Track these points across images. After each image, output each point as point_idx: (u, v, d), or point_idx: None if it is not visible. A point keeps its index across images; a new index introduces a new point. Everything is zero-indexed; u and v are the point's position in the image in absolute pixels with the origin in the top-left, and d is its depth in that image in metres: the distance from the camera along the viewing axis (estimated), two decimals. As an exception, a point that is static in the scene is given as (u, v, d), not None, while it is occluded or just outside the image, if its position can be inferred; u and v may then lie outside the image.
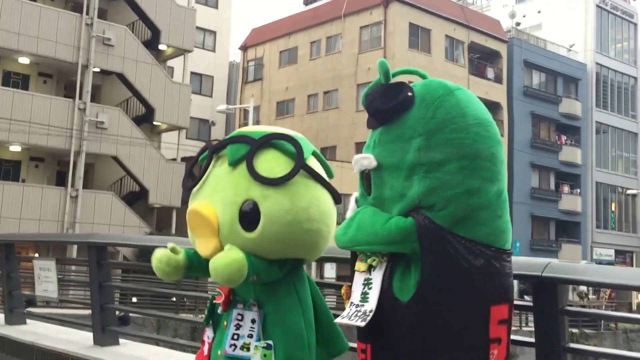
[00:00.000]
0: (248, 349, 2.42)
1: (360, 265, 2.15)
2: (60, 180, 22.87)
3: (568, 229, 37.11)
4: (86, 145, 21.52)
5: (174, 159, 24.30)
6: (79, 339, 4.83)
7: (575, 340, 19.85)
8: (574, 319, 20.28)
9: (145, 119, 24.09)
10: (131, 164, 22.44)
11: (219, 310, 2.54)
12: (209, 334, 2.60)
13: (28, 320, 5.66)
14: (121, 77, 22.96)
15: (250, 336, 2.44)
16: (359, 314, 2.08)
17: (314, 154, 2.58)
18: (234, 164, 2.43)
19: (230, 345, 2.44)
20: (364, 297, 2.10)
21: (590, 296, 30.67)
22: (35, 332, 5.21)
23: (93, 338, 4.61)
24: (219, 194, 2.43)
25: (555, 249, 35.26)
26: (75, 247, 19.67)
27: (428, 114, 2.10)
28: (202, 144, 24.31)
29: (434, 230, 2.02)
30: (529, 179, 34.69)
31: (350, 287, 2.19)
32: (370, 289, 2.10)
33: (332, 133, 31.42)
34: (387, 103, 2.11)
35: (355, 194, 2.33)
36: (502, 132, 33.14)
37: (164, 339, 8.04)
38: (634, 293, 32.58)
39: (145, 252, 20.19)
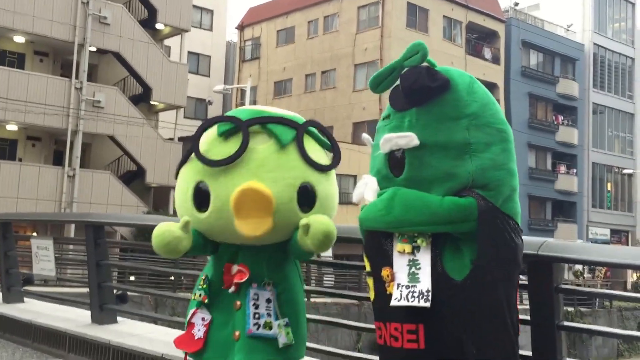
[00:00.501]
0: (270, 328, 2.45)
1: (405, 247, 2.09)
2: (57, 159, 22.82)
3: (564, 209, 37.27)
4: (83, 124, 21.43)
5: (171, 139, 24.23)
6: (76, 317, 4.85)
7: (570, 319, 20.06)
8: (568, 297, 20.44)
9: (142, 98, 23.97)
10: (128, 143, 22.38)
11: (231, 291, 2.49)
12: (204, 315, 2.53)
13: (26, 299, 5.69)
14: (118, 57, 22.79)
15: (269, 315, 2.47)
16: (416, 294, 2.04)
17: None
18: (284, 145, 2.45)
19: (254, 325, 2.45)
20: (413, 278, 2.06)
21: (586, 275, 30.89)
22: (33, 310, 5.23)
23: (91, 316, 4.63)
24: (269, 173, 2.40)
25: (552, 228, 35.45)
26: (73, 226, 19.69)
27: (468, 97, 2.17)
28: (199, 124, 24.07)
29: (492, 209, 2.09)
30: (526, 159, 34.72)
31: (392, 269, 2.13)
32: (418, 269, 2.07)
33: (329, 113, 31.31)
34: (433, 83, 2.12)
35: (367, 176, 2.28)
36: (499, 112, 33.03)
37: (161, 317, 8.10)
38: (629, 272, 32.84)
39: (143, 231, 20.23)
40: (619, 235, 39.50)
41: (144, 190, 23.58)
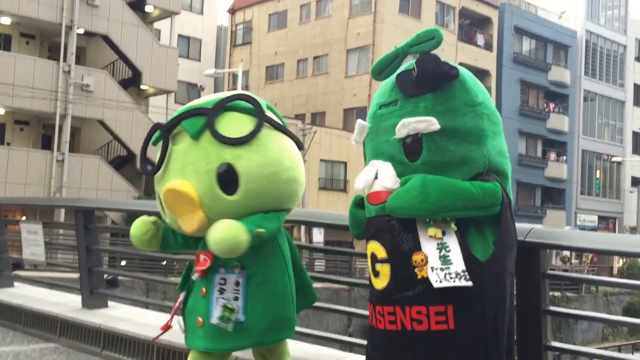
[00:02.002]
0: (232, 311, 2.44)
1: (436, 232, 2.10)
2: (46, 143, 22.65)
3: (553, 196, 37.53)
4: (72, 108, 21.26)
5: (162, 123, 24.08)
6: (67, 302, 4.86)
7: (556, 303, 20.29)
8: (555, 282, 20.69)
9: (131, 82, 23.79)
10: (118, 128, 22.24)
11: (195, 277, 2.53)
12: (180, 298, 2.61)
13: (15, 283, 5.68)
14: (106, 39, 22.57)
15: (236, 299, 2.45)
16: (453, 275, 2.06)
17: (268, 107, 2.64)
18: (196, 135, 2.43)
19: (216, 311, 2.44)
20: (445, 260, 2.08)
21: (573, 260, 31.21)
22: (23, 295, 5.22)
23: (81, 301, 4.64)
24: (189, 167, 2.42)
25: (541, 215, 35.70)
26: (62, 210, 19.62)
27: (475, 87, 2.23)
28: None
29: (506, 193, 2.19)
30: (516, 146, 34.86)
31: (424, 253, 2.12)
32: (448, 252, 2.09)
33: (321, 99, 31.24)
34: (451, 69, 2.16)
35: (377, 162, 2.24)
36: (490, 98, 33.09)
37: (153, 302, 8.12)
38: (615, 257, 33.20)
39: (133, 217, 20.18)
40: (607, 222, 39.87)
41: (134, 175, 23.50)
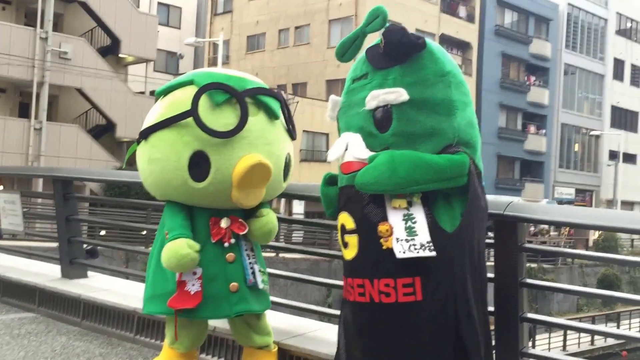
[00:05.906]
0: (261, 274, 2.65)
1: (400, 202, 2.11)
2: (23, 112, 22.25)
3: (532, 169, 37.95)
4: (49, 76, 20.85)
5: (142, 92, 23.77)
6: (46, 272, 4.83)
7: (533, 275, 20.66)
8: (532, 254, 21.06)
9: (110, 50, 23.36)
10: (97, 96, 21.90)
11: (228, 244, 2.53)
12: (194, 270, 2.48)
13: (-6, 253, 5.63)
14: (84, 6, 22.06)
15: (256, 263, 2.62)
16: (417, 246, 2.07)
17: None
18: (275, 117, 2.58)
19: (252, 273, 2.57)
20: (411, 231, 2.09)
21: (552, 233, 31.72)
22: (1, 264, 5.18)
23: (61, 271, 4.62)
24: (265, 147, 2.49)
25: (519, 187, 36.12)
26: (41, 179, 19.38)
27: (442, 57, 2.23)
28: (170, 77, 23.78)
29: (475, 165, 2.19)
30: (496, 119, 35.05)
31: (389, 224, 2.13)
32: (414, 222, 2.10)
33: (302, 69, 30.99)
34: (418, 39, 2.16)
35: (348, 134, 2.26)
36: (470, 71, 33.10)
37: (132, 272, 8.11)
38: (591, 230, 33.79)
39: (112, 186, 20.04)
40: (584, 195, 40.48)
41: (114, 145, 23.24)
